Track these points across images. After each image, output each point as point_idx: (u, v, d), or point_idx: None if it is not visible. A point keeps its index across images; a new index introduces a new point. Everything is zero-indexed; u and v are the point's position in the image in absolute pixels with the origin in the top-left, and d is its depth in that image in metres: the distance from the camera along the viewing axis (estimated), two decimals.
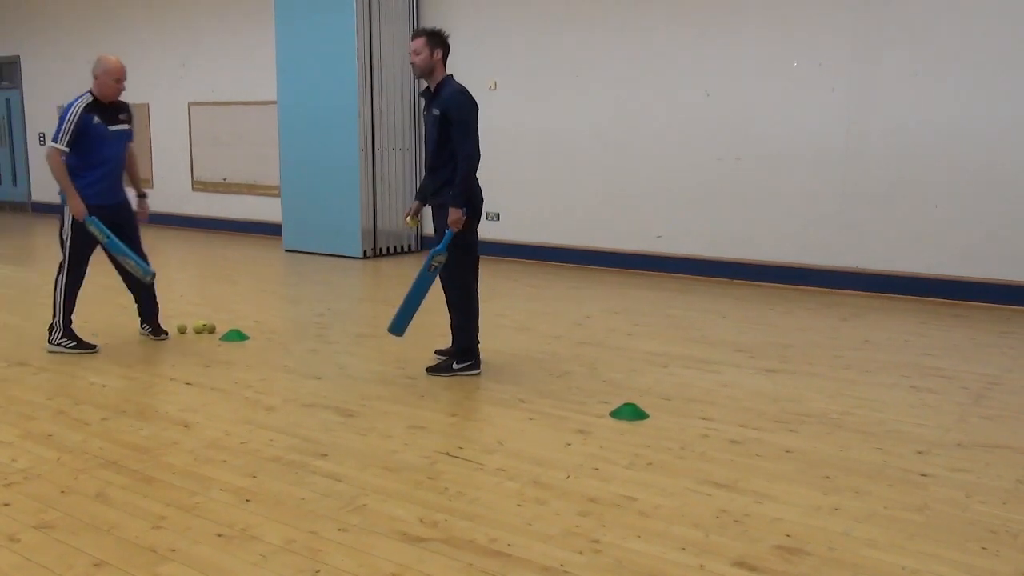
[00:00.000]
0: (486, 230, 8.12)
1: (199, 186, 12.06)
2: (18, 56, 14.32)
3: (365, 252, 9.59)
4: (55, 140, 5.29)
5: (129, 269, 5.53)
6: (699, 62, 8.15)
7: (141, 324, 5.87)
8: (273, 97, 10.20)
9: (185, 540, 2.97)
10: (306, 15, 9.55)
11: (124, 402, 4.51)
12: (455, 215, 4.71)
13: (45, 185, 14.37)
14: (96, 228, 5.37)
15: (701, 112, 8.19)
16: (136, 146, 5.82)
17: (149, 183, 10.49)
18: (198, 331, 5.96)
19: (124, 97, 5.57)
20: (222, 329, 5.97)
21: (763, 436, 4.01)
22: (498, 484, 3.47)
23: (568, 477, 3.52)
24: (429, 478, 3.52)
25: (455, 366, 4.92)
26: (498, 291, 7.60)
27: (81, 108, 5.30)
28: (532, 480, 3.49)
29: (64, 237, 5.46)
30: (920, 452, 3.81)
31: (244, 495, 3.34)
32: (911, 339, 5.98)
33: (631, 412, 4.27)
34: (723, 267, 8.24)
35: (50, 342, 5.50)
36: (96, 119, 5.34)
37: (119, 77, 5.40)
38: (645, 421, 4.21)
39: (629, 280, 8.31)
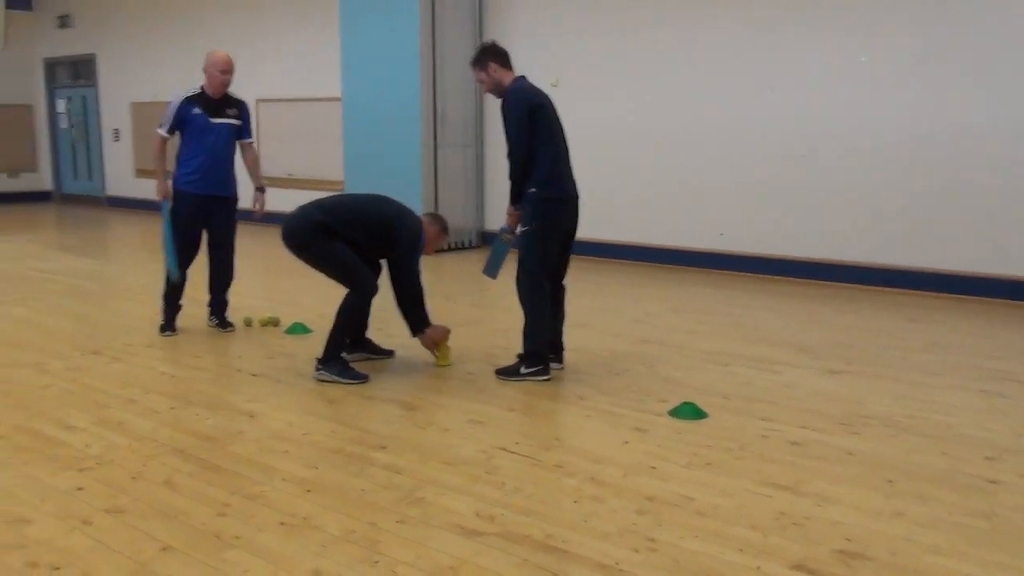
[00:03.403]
0: None
1: (265, 181, 12.26)
2: (94, 55, 14.77)
3: None
4: (161, 127, 5.58)
5: (164, 261, 5.73)
6: (763, 56, 8.04)
7: (209, 316, 6.02)
8: (338, 94, 10.35)
9: (249, 528, 3.04)
10: (370, 12, 9.67)
11: (192, 392, 4.64)
12: (508, 210, 4.78)
13: (120, 179, 14.83)
14: (164, 213, 5.61)
15: (765, 107, 8.08)
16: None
17: None
18: (263, 324, 6.09)
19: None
20: (286, 322, 6.09)
21: (824, 438, 3.95)
22: (555, 480, 3.48)
23: (625, 475, 3.52)
24: (487, 472, 3.55)
25: (523, 370, 4.81)
26: None
27: (183, 97, 5.56)
28: (589, 477, 3.50)
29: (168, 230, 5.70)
30: (989, 458, 3.71)
31: (306, 485, 3.41)
32: (980, 341, 5.83)
33: (690, 411, 4.25)
34: (786, 265, 8.12)
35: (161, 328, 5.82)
36: (197, 110, 5.56)
37: (224, 68, 5.60)
38: (704, 420, 4.19)
39: (690, 277, 8.25)
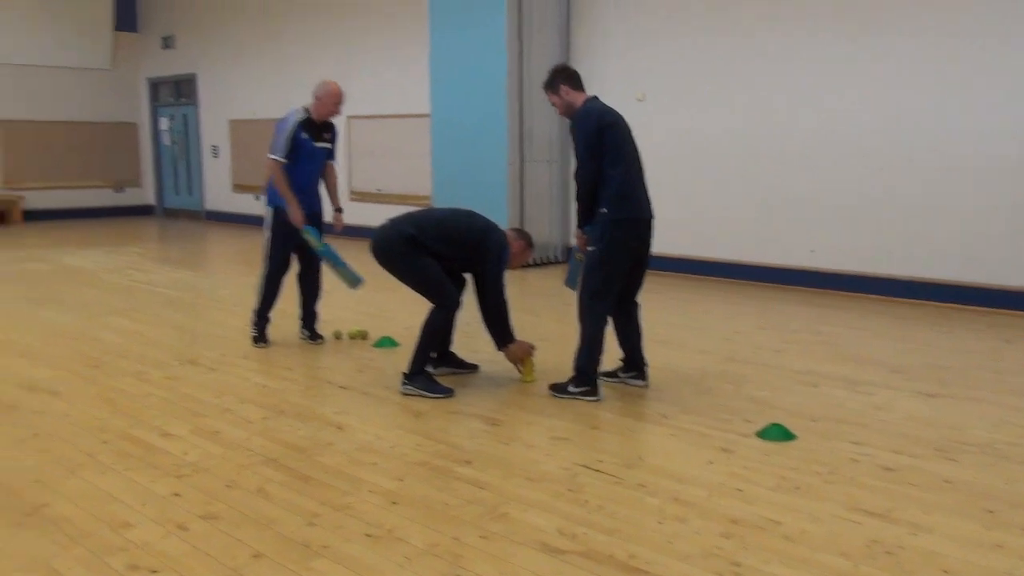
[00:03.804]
0: None
1: (355, 196, 12.56)
2: (195, 74, 15.35)
3: None
4: (274, 152, 5.66)
5: (339, 277, 5.85)
6: (855, 67, 7.86)
7: (301, 328, 6.18)
8: (427, 110, 10.52)
9: (336, 538, 3.12)
10: (459, 29, 9.82)
11: (283, 403, 4.77)
12: (576, 233, 4.83)
13: (218, 194, 15.35)
14: (312, 236, 5.75)
15: (858, 121, 7.89)
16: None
17: None
18: (352, 337, 6.23)
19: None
20: (375, 335, 6.21)
21: (919, 464, 3.83)
22: (638, 499, 3.46)
23: (710, 496, 3.48)
24: (570, 490, 3.55)
25: (571, 388, 4.79)
26: (645, 304, 7.54)
27: (296, 123, 5.69)
28: (672, 497, 3.47)
29: (267, 246, 5.87)
30: None
31: (392, 497, 3.47)
32: None
33: (778, 432, 4.17)
34: (879, 283, 7.90)
35: (252, 337, 6.04)
36: (305, 134, 5.72)
37: (338, 101, 5.79)
38: (792, 442, 4.10)
39: (780, 295, 8.10)
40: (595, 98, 4.83)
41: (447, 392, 4.82)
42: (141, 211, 16.50)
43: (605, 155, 4.62)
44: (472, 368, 5.35)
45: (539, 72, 9.56)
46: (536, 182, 9.90)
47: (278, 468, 3.79)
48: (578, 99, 4.82)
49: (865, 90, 7.83)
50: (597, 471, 3.76)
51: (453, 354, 5.33)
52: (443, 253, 4.86)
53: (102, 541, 3.08)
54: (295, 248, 5.93)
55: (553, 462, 3.87)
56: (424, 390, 4.81)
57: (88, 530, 3.17)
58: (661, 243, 9.30)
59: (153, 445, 4.07)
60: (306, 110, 5.78)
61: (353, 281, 5.83)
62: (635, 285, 4.94)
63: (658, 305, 7.62)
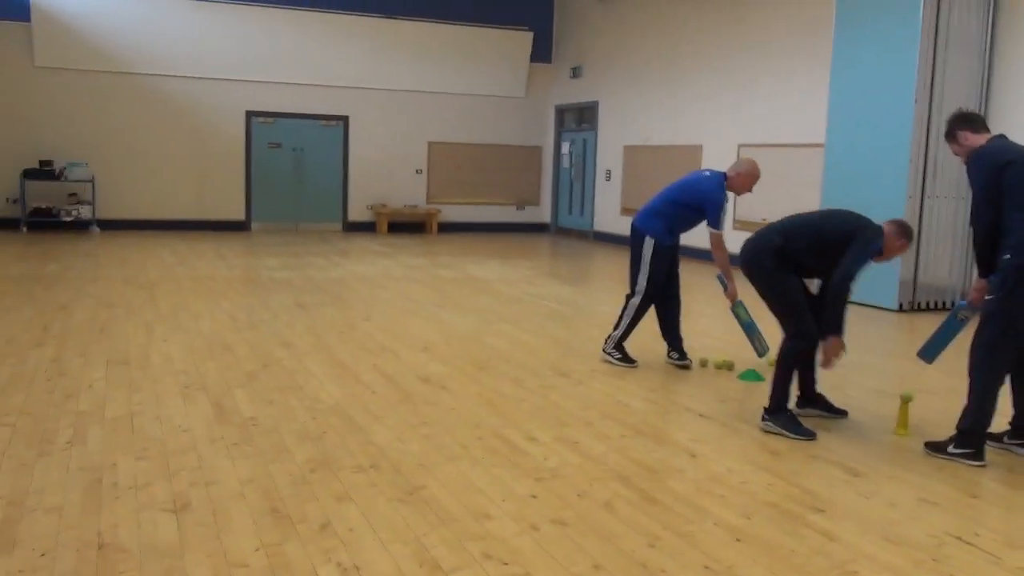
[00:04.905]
0: None
1: (739, 224, 12.45)
2: (597, 102, 16.22)
3: (901, 305, 9.05)
4: (718, 226, 5.95)
5: (750, 342, 6.04)
6: None
7: (668, 352, 6.29)
8: (820, 140, 10.14)
9: (675, 564, 3.15)
10: (866, 55, 9.33)
11: (642, 423, 4.90)
12: (975, 284, 4.40)
13: (606, 216, 16.07)
14: (743, 309, 5.99)
15: None
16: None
17: None
18: (718, 367, 6.20)
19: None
20: (740, 367, 6.13)
21: None
22: None
23: None
24: (934, 559, 3.25)
25: (951, 449, 4.34)
26: None
27: (723, 196, 5.94)
28: None
29: (645, 276, 6.09)
30: None
31: (736, 534, 3.42)
32: None
33: None
34: None
35: (604, 349, 6.32)
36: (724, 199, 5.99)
37: (755, 182, 5.99)
38: None
39: None
40: (1001, 136, 4.39)
41: (809, 435, 4.63)
42: (537, 228, 17.77)
43: (1007, 197, 4.16)
44: (841, 414, 5.08)
45: (952, 99, 8.82)
46: (938, 220, 9.09)
47: (628, 486, 3.90)
48: (979, 142, 4.40)
49: None
50: (970, 544, 3.39)
51: (822, 396, 5.10)
52: (811, 265, 4.70)
53: (465, 528, 3.40)
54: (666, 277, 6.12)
55: (918, 526, 3.55)
56: (784, 429, 4.67)
57: (455, 515, 3.52)
58: None
59: (519, 446, 4.40)
60: (725, 178, 5.96)
61: (762, 351, 5.98)
62: None
63: None
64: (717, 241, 5.92)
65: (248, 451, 4.20)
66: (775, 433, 4.68)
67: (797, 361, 4.81)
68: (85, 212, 14.45)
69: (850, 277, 4.63)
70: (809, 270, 4.78)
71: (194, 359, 6.00)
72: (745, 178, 5.93)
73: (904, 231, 4.76)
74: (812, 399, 5.08)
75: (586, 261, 13.69)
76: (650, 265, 6.05)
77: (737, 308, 5.98)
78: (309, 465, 4.04)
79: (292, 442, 4.35)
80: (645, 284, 6.08)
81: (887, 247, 4.72)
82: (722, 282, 5.99)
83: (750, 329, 5.99)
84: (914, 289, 9.11)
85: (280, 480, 3.84)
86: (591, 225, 16.58)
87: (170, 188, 15.28)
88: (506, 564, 3.11)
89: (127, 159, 14.97)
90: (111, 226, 14.68)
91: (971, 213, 4.40)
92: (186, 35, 14.98)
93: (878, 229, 4.70)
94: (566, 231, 17.41)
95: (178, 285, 9.25)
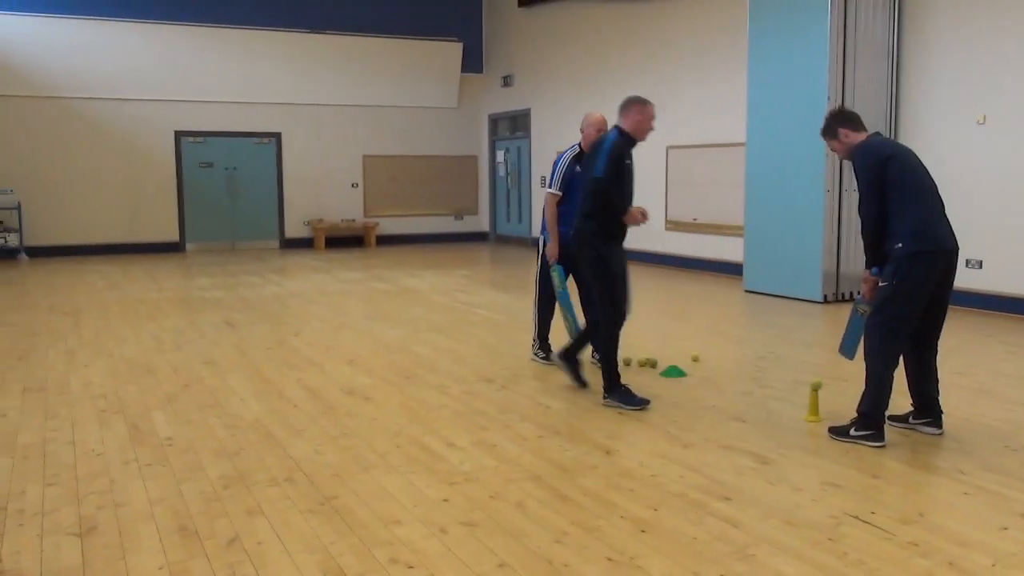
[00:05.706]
0: (965, 280, 7.39)
1: (671, 225, 12.64)
2: (529, 109, 16.34)
3: (825, 296, 9.27)
4: (550, 186, 6.12)
5: (564, 320, 6.17)
6: None
7: (592, 353, 6.36)
8: (742, 139, 10.36)
9: (579, 558, 3.20)
10: (779, 57, 9.56)
11: (560, 423, 4.96)
12: (863, 276, 4.58)
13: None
14: (558, 276, 6.07)
15: None
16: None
17: None
18: (642, 364, 6.29)
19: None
20: (663, 364, 6.23)
21: None
22: (906, 559, 3.18)
23: (994, 565, 3.11)
24: (830, 539, 3.35)
25: (852, 432, 4.49)
26: (964, 347, 6.85)
27: (570, 158, 6.04)
28: (948, 561, 3.14)
29: (539, 274, 6.31)
30: None
31: (642, 525, 3.49)
32: None
33: None
34: None
35: (534, 353, 6.49)
36: (577, 168, 6.01)
37: (600, 128, 6.01)
38: None
39: None
40: (877, 134, 4.63)
41: (643, 403, 5.15)
42: (476, 237, 17.83)
43: (891, 189, 4.34)
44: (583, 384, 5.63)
45: (862, 98, 9.09)
46: (855, 211, 9.29)
47: (540, 485, 3.95)
48: (858, 140, 4.59)
49: None
50: (866, 523, 3.50)
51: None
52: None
53: (373, 534, 3.42)
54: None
55: (819, 508, 3.66)
56: (621, 402, 5.18)
57: (364, 523, 3.54)
58: (1001, 281, 8.40)
59: (437, 452, 4.43)
60: (579, 145, 6.02)
61: (572, 328, 6.07)
62: (933, 327, 4.52)
63: (978, 349, 6.89)
64: (546, 200, 6.18)
65: (161, 471, 4.18)
66: (614, 407, 5.15)
67: (605, 339, 5.31)
68: (12, 239, 14.17)
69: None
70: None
71: (114, 383, 5.93)
72: (587, 130, 5.94)
73: (633, 99, 5.23)
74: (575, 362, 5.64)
75: (523, 268, 13.74)
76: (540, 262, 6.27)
77: (553, 271, 6.12)
78: (222, 482, 4.02)
79: (207, 460, 4.33)
80: (536, 287, 6.43)
81: (637, 128, 5.19)
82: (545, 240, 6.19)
83: (563, 302, 6.12)
84: (837, 280, 9.34)
85: (191, 498, 3.82)
86: (529, 232, 16.67)
87: (101, 212, 15.05)
88: (411, 567, 3.13)
89: (55, 184, 14.71)
90: (41, 253, 14.42)
91: (858, 205, 4.59)
92: (110, 57, 14.78)
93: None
94: (505, 239, 17.48)
95: (105, 310, 9.11)
